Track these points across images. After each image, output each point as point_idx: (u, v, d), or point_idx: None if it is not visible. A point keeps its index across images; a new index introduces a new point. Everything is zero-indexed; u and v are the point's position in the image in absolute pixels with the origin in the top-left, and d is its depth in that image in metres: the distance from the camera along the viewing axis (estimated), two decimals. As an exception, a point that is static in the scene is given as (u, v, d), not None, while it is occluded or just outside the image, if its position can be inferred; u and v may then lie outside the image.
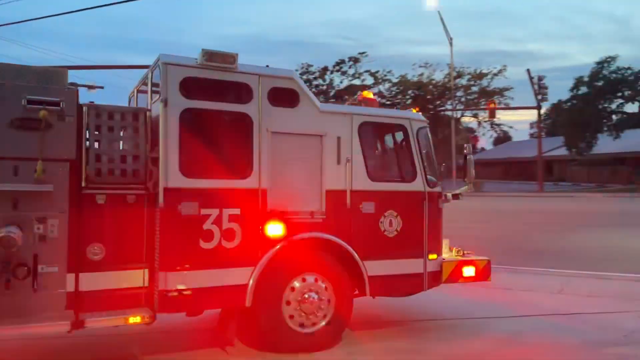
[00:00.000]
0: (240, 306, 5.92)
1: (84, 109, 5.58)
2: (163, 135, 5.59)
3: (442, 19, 38.26)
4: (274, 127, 6.08)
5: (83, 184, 5.53)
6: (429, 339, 6.99)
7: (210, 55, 5.81)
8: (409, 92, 51.62)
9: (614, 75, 60.92)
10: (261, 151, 6.00)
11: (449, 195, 7.44)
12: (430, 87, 51.68)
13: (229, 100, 6.04)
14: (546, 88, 50.72)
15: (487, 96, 54.97)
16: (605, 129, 59.70)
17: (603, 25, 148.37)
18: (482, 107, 55.41)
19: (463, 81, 52.15)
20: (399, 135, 7.03)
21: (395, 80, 54.77)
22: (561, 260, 12.47)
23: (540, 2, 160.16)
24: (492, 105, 48.54)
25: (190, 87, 5.76)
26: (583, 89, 62.03)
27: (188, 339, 6.91)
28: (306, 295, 6.18)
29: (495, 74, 53.54)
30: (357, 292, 6.63)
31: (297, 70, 50.29)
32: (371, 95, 7.27)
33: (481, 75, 52.92)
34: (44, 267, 5.37)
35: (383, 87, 54.98)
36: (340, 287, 6.37)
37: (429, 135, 7.35)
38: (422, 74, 53.97)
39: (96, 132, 5.61)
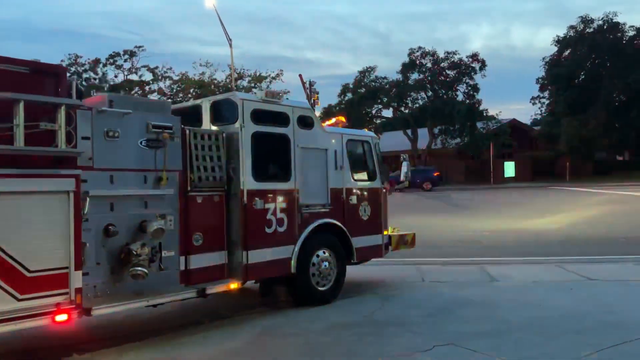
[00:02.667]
0: (287, 273, 8.46)
1: (187, 131, 7.65)
2: (242, 152, 7.92)
3: (220, 20, 39.67)
4: (301, 144, 8.70)
5: (189, 188, 7.62)
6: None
7: (268, 92, 8.30)
8: (191, 90, 52.34)
9: (373, 83, 69.91)
10: (295, 161, 8.59)
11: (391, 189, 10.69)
12: (212, 87, 52.71)
13: (276, 124, 8.49)
14: (317, 93, 54.71)
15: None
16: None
17: (369, 39, 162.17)
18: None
19: (244, 83, 53.97)
20: (366, 147, 10.05)
21: (176, 78, 55.24)
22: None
23: (316, 14, 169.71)
24: None
25: (258, 116, 8.16)
26: (349, 95, 70.08)
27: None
28: (323, 264, 8.92)
29: (274, 78, 55.84)
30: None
31: (63, 61, 48.75)
32: (344, 119, 10.12)
33: (261, 78, 55.03)
34: (165, 252, 7.38)
35: (164, 84, 54.80)
36: (339, 257, 9.23)
37: (379, 147, 10.46)
38: (203, 73, 54.88)
39: (195, 149, 7.71)
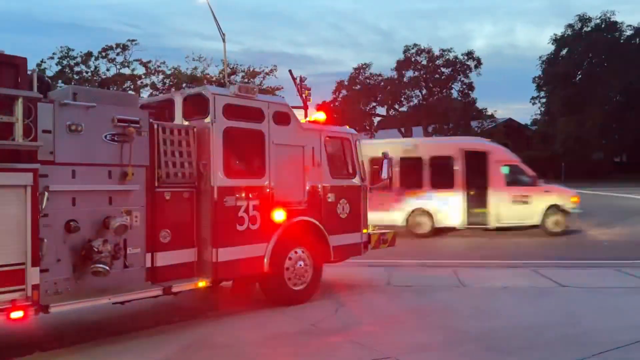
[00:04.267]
0: (260, 272, 8.33)
1: (155, 125, 7.49)
2: (213, 147, 7.76)
3: (213, 13, 39.26)
4: (276, 140, 8.55)
5: (156, 184, 7.47)
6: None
7: (245, 87, 8.14)
8: (183, 85, 52.11)
9: (368, 80, 69.70)
10: (269, 158, 8.43)
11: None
12: (205, 82, 52.75)
13: (250, 120, 8.33)
14: (309, 89, 54.39)
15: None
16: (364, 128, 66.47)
17: (371, 36, 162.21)
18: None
19: (238, 78, 53.67)
20: (346, 145, 9.91)
21: (169, 72, 54.66)
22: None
23: (318, 9, 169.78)
24: None
25: (230, 111, 8.00)
26: (344, 92, 70.08)
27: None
28: (298, 263, 8.80)
29: (267, 73, 55.56)
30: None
31: (55, 54, 48.54)
32: (324, 116, 9.97)
33: (254, 74, 54.68)
34: (130, 249, 7.23)
35: (156, 79, 54.43)
36: (317, 255, 9.10)
37: (360, 144, 10.30)
38: (196, 68, 54.58)
39: (163, 144, 7.55)
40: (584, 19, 65.15)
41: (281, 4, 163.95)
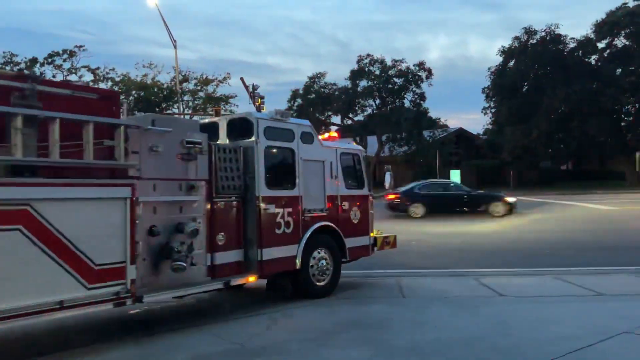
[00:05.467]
0: (292, 268, 10.07)
1: (212, 146, 9.17)
2: (257, 163, 9.48)
3: (163, 20, 39.09)
4: (304, 156, 10.33)
5: (214, 195, 9.14)
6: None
7: (278, 112, 9.91)
8: (133, 92, 52.22)
9: (322, 89, 72.13)
10: (299, 171, 10.18)
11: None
12: (155, 89, 52.69)
13: (283, 140, 10.08)
14: (262, 97, 54.56)
15: (213, 102, 58.66)
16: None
17: (329, 47, 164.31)
18: (209, 112, 58.42)
19: (191, 85, 54.28)
20: (356, 159, 11.76)
21: (118, 79, 55.22)
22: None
23: (276, 19, 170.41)
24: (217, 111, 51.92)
25: (270, 132, 9.75)
26: (299, 101, 72.43)
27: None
28: (321, 262, 10.56)
29: (220, 81, 57.26)
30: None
31: None
32: (337, 135, 11.75)
33: (207, 81, 56.25)
34: (195, 250, 8.87)
35: (105, 86, 54.23)
36: (335, 255, 10.92)
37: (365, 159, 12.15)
38: (146, 75, 54.88)
39: (218, 161, 9.23)
40: (529, 32, 68.28)
41: (239, 13, 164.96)
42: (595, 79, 64.04)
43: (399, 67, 70.19)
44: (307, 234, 10.40)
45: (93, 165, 7.51)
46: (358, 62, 71.42)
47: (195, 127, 9.28)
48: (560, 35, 67.83)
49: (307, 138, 10.64)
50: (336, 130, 11.40)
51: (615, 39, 67.82)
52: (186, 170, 8.81)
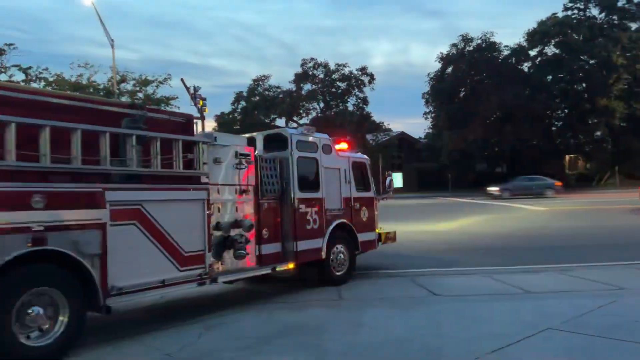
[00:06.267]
0: (319, 259, 12.29)
1: (257, 157, 11.22)
2: (291, 171, 11.59)
3: (100, 18, 38.29)
4: (325, 164, 12.53)
5: (260, 197, 11.19)
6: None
7: (306, 128, 12.03)
8: (67, 92, 50.62)
9: (267, 92, 74.35)
10: (322, 177, 12.32)
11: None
12: (91, 89, 51.63)
13: (309, 151, 12.21)
14: (204, 99, 51.21)
15: (153, 104, 55.80)
16: None
17: (275, 50, 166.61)
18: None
19: (129, 86, 53.92)
20: (363, 167, 14.12)
21: (51, 79, 52.67)
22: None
23: (221, 21, 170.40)
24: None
25: (300, 145, 11.88)
26: (242, 103, 74.28)
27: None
28: (339, 255, 12.77)
29: (161, 82, 55.24)
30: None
31: None
32: (348, 145, 13.88)
33: (146, 82, 54.50)
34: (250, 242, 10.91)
35: (38, 86, 52.38)
36: (350, 248, 13.16)
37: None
38: (81, 75, 53.34)
39: (262, 169, 11.29)
40: (466, 39, 72.37)
41: (183, 14, 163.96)
42: (528, 85, 68.49)
43: (342, 72, 73.18)
44: (329, 230, 12.55)
45: (180, 174, 9.48)
46: (302, 65, 74.25)
47: (244, 142, 11.32)
48: (495, 43, 72.25)
49: (326, 149, 12.78)
50: (347, 142, 13.25)
51: (546, 47, 72.68)
52: (239, 177, 10.83)
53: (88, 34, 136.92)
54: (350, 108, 73.67)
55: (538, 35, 70.89)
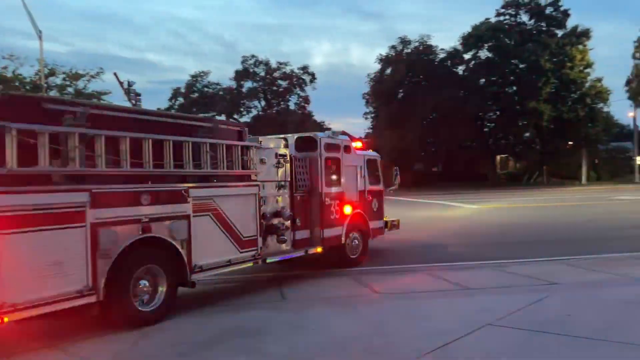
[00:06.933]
0: (339, 244, 14.31)
1: (292, 157, 13.14)
2: (319, 169, 13.54)
3: (26, 7, 36.91)
4: (345, 162, 14.53)
5: (294, 191, 13.07)
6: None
7: (331, 132, 13.95)
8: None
9: (205, 88, 75.09)
10: (343, 174, 14.28)
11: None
12: (17, 83, 50.37)
13: (334, 152, 14.13)
14: (139, 94, 49.36)
15: (84, 98, 52.84)
16: None
17: (214, 46, 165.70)
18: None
19: (58, 80, 51.91)
20: (375, 163, 16.37)
21: None
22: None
23: (157, 15, 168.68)
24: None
25: (327, 147, 13.79)
26: (180, 99, 74.68)
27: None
28: (354, 241, 14.74)
29: (93, 76, 53.03)
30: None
31: None
32: (362, 144, 15.86)
33: (77, 76, 52.40)
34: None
35: None
36: (364, 235, 15.21)
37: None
38: (6, 67, 51.25)
39: (295, 167, 13.22)
40: (405, 42, 74.91)
41: (117, 7, 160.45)
42: (463, 87, 71.29)
43: (284, 70, 74.86)
44: (347, 219, 14.56)
45: (239, 173, 11.35)
46: (243, 62, 75.12)
47: (282, 144, 13.31)
48: (432, 46, 74.90)
49: (347, 149, 14.79)
50: (362, 141, 15.29)
51: (480, 51, 75.66)
52: (277, 174, 12.75)
53: (14, 25, 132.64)
54: (292, 107, 75.75)
55: (472, 39, 73.84)
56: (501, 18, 75.38)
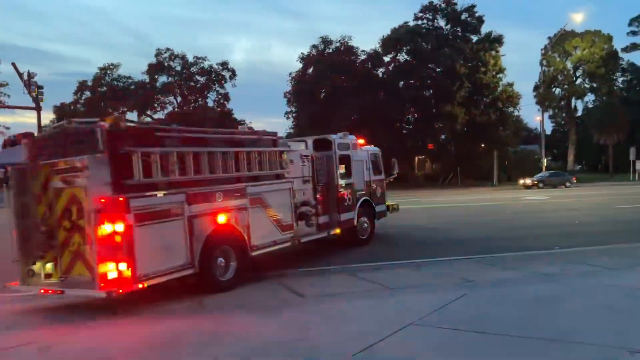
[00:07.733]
0: (352, 226, 16.54)
1: (313, 156, 15.23)
2: (335, 165, 15.68)
3: None
4: (354, 158, 16.78)
5: (315, 184, 15.09)
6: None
7: (343, 134, 16.05)
8: None
9: (116, 82, 72.48)
10: (353, 168, 16.41)
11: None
12: None
13: (345, 150, 16.14)
14: (41, 87, 49.66)
15: None
16: None
17: (124, 38, 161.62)
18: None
19: None
20: (377, 156, 18.89)
21: None
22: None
23: (59, 2, 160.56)
24: None
25: (339, 146, 15.88)
26: (87, 93, 71.90)
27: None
28: (364, 224, 17.02)
29: None
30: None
31: None
32: (364, 141, 17.89)
33: None
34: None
35: None
36: (370, 217, 17.61)
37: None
38: None
39: (316, 165, 15.29)
40: (326, 41, 74.81)
41: None
42: (383, 90, 72.87)
43: (202, 65, 73.63)
44: (358, 205, 16.90)
45: (277, 172, 13.42)
46: (157, 56, 73.14)
47: (303, 146, 15.49)
48: (353, 47, 75.28)
49: (354, 147, 17.17)
50: (363, 138, 18.01)
51: (399, 54, 77.30)
52: (303, 171, 14.86)
53: None
54: (210, 104, 74.75)
55: (391, 42, 74.91)
56: (419, 22, 77.10)
